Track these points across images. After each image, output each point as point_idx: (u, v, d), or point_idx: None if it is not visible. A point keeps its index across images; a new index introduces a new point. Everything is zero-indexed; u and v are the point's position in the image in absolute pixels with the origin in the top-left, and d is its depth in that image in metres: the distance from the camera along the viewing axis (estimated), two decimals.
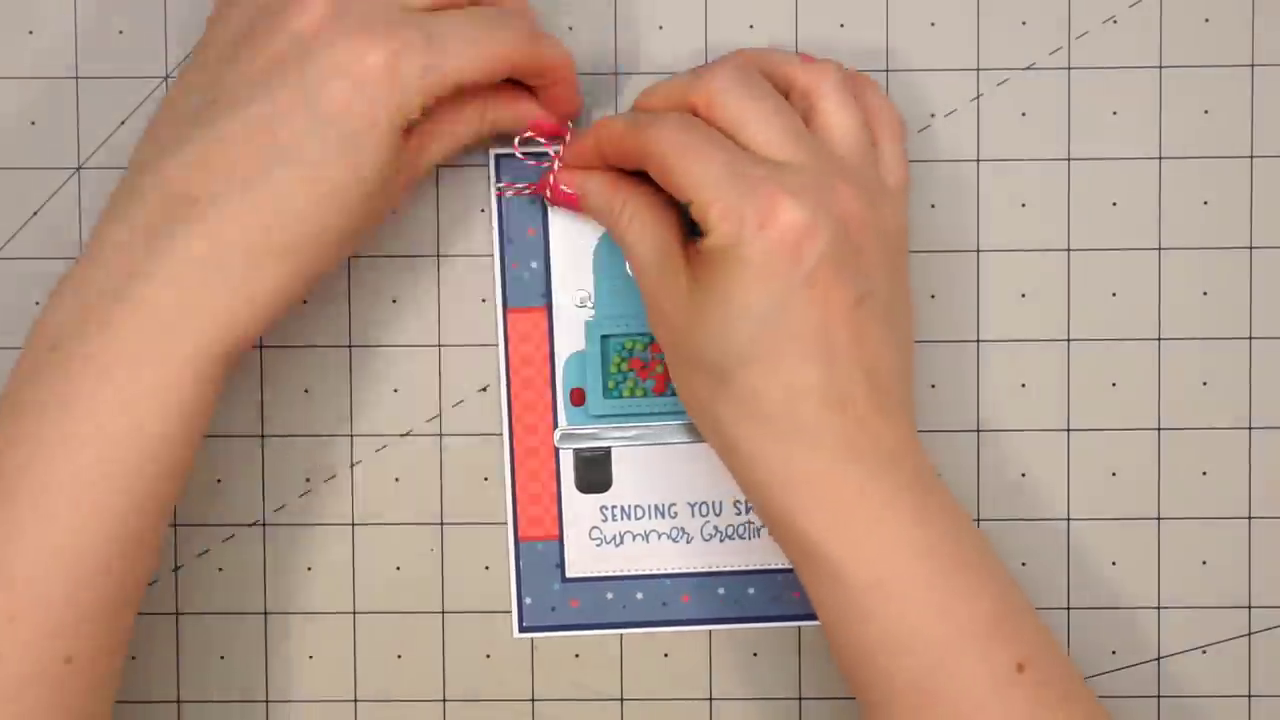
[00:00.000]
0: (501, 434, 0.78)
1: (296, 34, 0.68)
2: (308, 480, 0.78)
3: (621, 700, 0.78)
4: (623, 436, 0.78)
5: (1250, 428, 0.78)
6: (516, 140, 0.75)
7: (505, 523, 0.78)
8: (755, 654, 0.78)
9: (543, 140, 0.75)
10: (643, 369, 0.77)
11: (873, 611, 0.68)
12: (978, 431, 0.78)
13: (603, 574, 0.78)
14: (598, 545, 0.78)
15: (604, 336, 0.77)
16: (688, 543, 0.78)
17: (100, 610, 0.67)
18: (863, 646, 0.68)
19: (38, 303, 0.77)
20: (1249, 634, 0.78)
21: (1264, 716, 0.78)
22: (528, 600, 0.78)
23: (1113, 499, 0.78)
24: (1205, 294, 0.77)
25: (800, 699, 0.78)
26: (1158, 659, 0.78)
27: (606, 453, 0.78)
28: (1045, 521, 0.78)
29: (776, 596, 0.77)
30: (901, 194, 0.73)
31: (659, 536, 0.78)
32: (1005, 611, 0.69)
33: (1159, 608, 0.78)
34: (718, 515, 0.78)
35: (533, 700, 0.78)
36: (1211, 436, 0.78)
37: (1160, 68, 0.77)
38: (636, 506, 0.78)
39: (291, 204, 0.68)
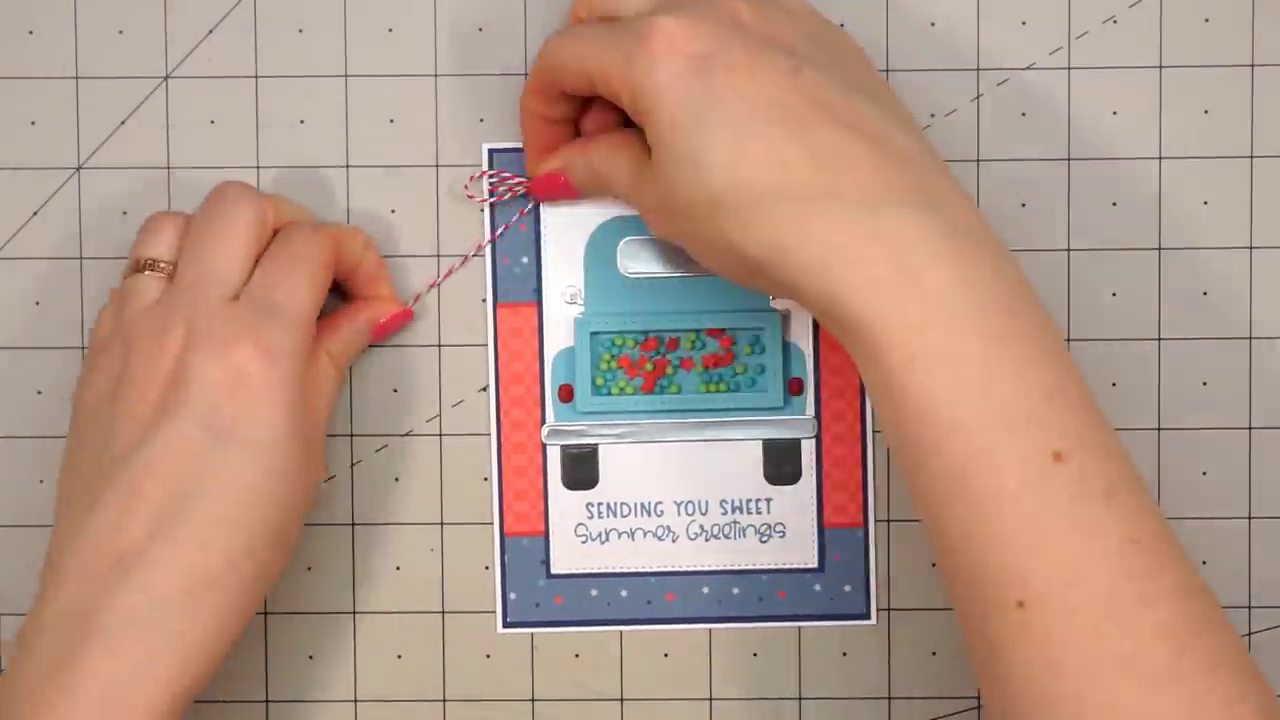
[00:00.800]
0: (489, 429, 0.78)
1: (162, 370, 0.70)
2: None
3: (621, 700, 0.78)
4: (610, 434, 0.78)
5: (1250, 428, 0.77)
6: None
7: (491, 508, 0.78)
8: (755, 654, 0.78)
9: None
10: (631, 367, 0.77)
11: (908, 388, 0.64)
12: None
13: (588, 571, 0.78)
14: (583, 542, 0.78)
15: (593, 333, 0.77)
16: (673, 541, 0.78)
17: None
18: (902, 425, 0.65)
19: (38, 303, 0.78)
20: (1249, 634, 0.78)
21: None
22: (512, 596, 0.78)
23: None
24: (1205, 293, 0.77)
25: (800, 699, 0.78)
26: None
27: (594, 450, 0.78)
28: None
29: (761, 597, 0.77)
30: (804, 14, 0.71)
31: (645, 534, 0.78)
32: (1047, 395, 0.64)
33: None
34: (704, 514, 0.78)
35: (532, 700, 0.78)
36: (1211, 436, 0.78)
37: (1160, 68, 0.77)
38: (623, 504, 0.78)
39: (214, 533, 0.69)
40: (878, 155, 0.66)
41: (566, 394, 0.78)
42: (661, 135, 0.67)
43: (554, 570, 0.78)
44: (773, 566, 0.78)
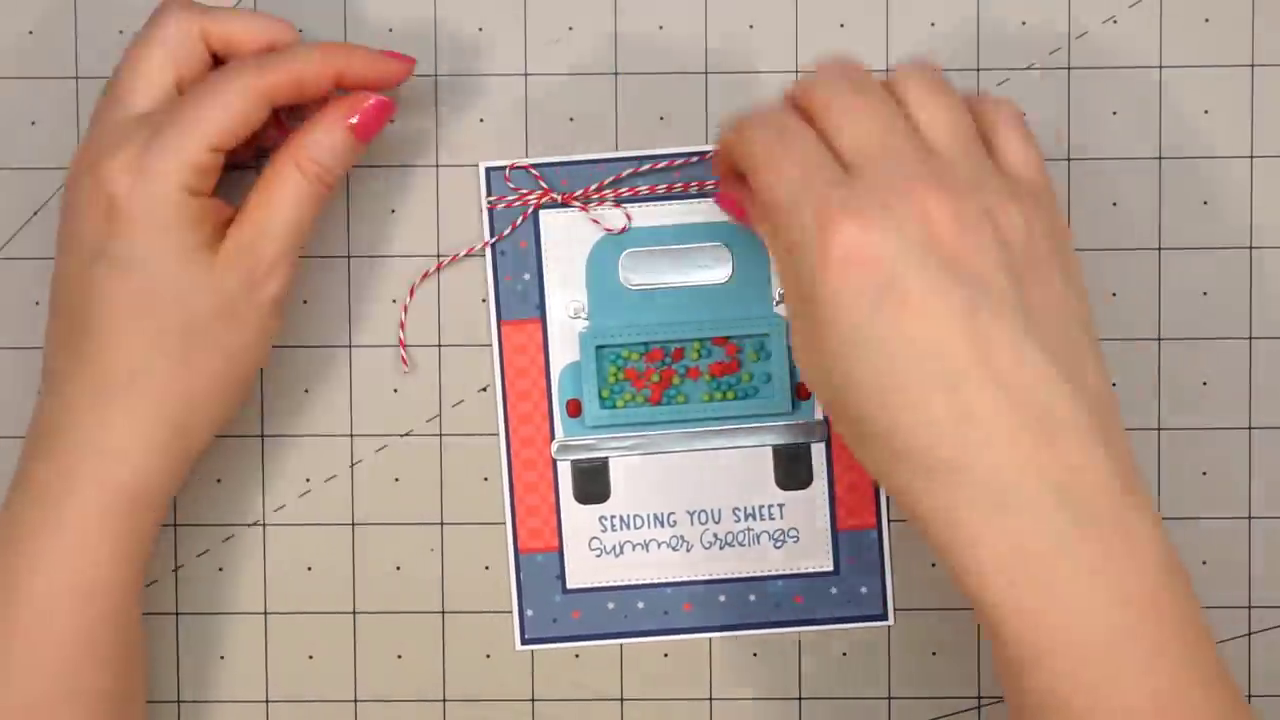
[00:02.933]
0: (499, 446, 0.78)
1: (67, 192, 0.72)
2: (308, 480, 0.78)
3: (621, 700, 0.78)
4: (619, 447, 0.78)
5: (1250, 428, 0.78)
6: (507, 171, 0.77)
7: (504, 524, 0.78)
8: (755, 654, 0.78)
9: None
10: (638, 379, 0.77)
11: (1032, 686, 0.62)
12: None
13: (604, 584, 0.78)
14: (598, 556, 0.78)
15: (598, 347, 0.77)
16: (688, 551, 0.78)
17: None
18: (1023, 707, 0.63)
19: (38, 302, 0.77)
20: (1249, 634, 0.78)
21: (1264, 716, 0.78)
22: (529, 612, 0.78)
23: None
24: (1205, 294, 0.77)
25: (800, 699, 0.78)
26: None
27: (604, 463, 0.78)
28: None
29: (778, 603, 0.77)
30: (1034, 186, 0.67)
31: (659, 546, 0.78)
32: (1162, 692, 0.62)
33: None
34: (717, 523, 0.78)
35: (533, 700, 0.78)
36: (1211, 436, 0.78)
37: (1160, 68, 0.77)
38: (635, 516, 0.78)
39: (106, 348, 0.70)
40: (1025, 427, 0.62)
41: (574, 409, 0.77)
42: (816, 327, 0.64)
43: (570, 585, 0.78)
44: (788, 572, 0.78)
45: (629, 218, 0.77)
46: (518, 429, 0.78)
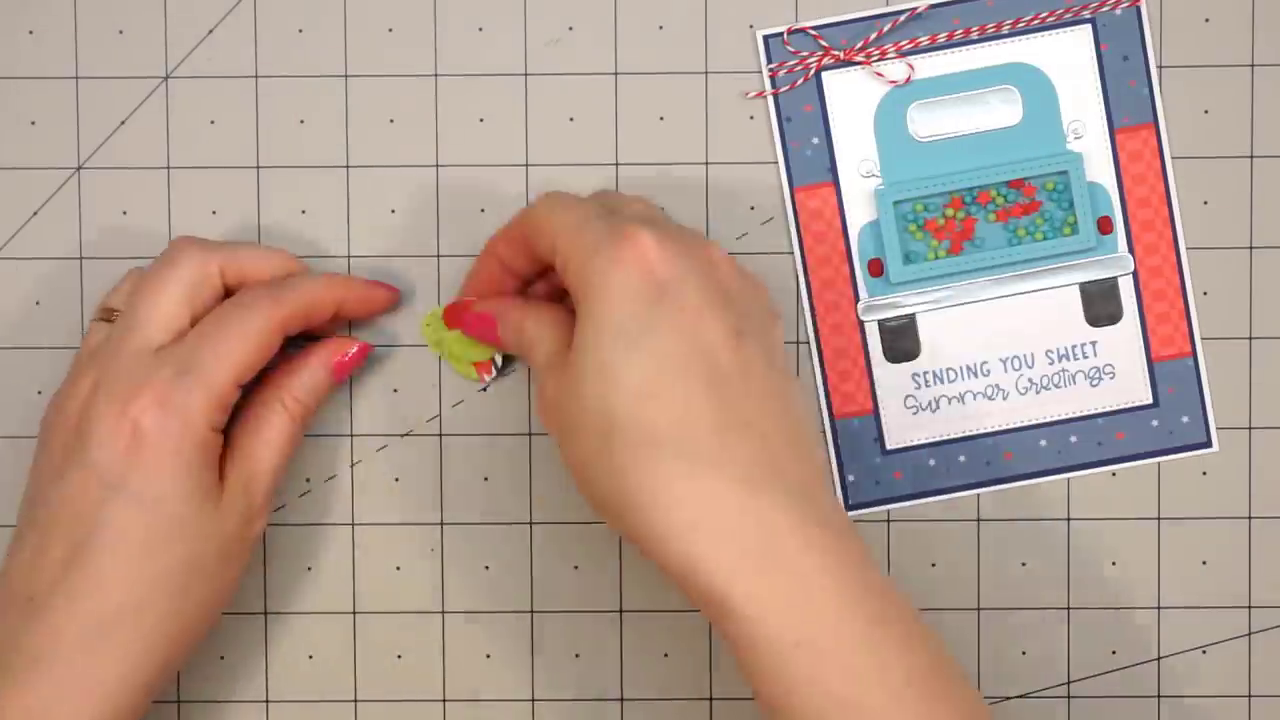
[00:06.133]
0: (802, 312, 0.77)
1: (72, 415, 0.71)
2: (308, 480, 0.78)
3: (621, 700, 0.78)
4: (925, 301, 0.77)
5: (1250, 428, 0.78)
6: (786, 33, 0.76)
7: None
8: None
9: None
10: (937, 231, 0.76)
11: (797, 676, 0.64)
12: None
13: (922, 441, 0.77)
14: (914, 413, 0.77)
15: (895, 203, 0.76)
16: (1004, 399, 0.77)
17: None
18: (789, 704, 0.65)
19: (38, 303, 0.78)
20: (1249, 634, 0.78)
21: (1264, 716, 0.78)
22: (850, 478, 0.77)
23: (1113, 499, 0.78)
24: (1205, 294, 0.77)
25: None
26: (1158, 659, 0.78)
27: (911, 320, 0.77)
28: (1045, 521, 0.78)
29: (1100, 441, 0.76)
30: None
31: (974, 397, 0.77)
32: (937, 666, 0.66)
33: (1159, 608, 0.78)
34: (1030, 367, 0.77)
35: (533, 700, 0.78)
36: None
37: (1161, 68, 0.77)
38: (948, 370, 0.77)
39: (108, 583, 0.69)
40: (777, 437, 0.67)
41: (876, 268, 0.77)
42: (587, 337, 0.67)
43: (889, 446, 0.77)
44: (1107, 409, 0.77)
45: (912, 69, 0.76)
46: (820, 294, 0.77)
